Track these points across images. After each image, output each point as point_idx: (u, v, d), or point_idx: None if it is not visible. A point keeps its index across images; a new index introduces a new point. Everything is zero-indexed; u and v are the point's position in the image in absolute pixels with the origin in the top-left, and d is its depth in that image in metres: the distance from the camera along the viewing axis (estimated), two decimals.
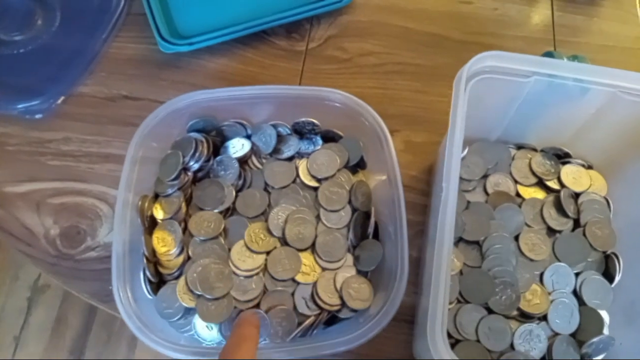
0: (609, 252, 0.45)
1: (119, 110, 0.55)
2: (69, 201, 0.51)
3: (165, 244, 0.43)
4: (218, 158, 0.47)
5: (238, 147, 0.48)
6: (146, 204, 0.43)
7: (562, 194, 0.46)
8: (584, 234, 0.45)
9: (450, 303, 0.43)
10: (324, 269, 0.43)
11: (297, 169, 0.47)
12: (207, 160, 0.46)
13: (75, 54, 0.57)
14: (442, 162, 0.37)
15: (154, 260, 0.43)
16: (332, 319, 0.43)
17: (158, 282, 0.43)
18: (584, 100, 0.42)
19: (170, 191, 0.44)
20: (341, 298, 0.42)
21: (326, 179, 0.46)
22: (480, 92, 0.40)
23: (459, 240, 0.45)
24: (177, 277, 0.43)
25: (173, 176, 0.44)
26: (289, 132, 0.49)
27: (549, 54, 0.44)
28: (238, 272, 0.42)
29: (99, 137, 0.54)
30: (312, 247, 0.44)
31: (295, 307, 0.42)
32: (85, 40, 0.57)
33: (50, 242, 0.50)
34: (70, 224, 0.50)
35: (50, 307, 1.24)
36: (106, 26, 0.58)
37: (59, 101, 0.55)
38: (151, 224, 0.44)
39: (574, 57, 0.43)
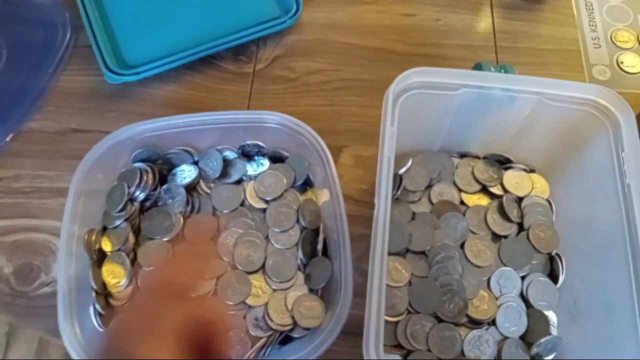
0: (553, 253, 0.46)
1: (69, 144, 0.55)
2: (22, 238, 0.51)
3: (114, 275, 0.43)
4: (165, 186, 0.47)
5: (186, 174, 0.48)
6: (93, 237, 0.43)
7: (504, 199, 0.47)
8: (528, 237, 0.46)
9: (401, 314, 0.43)
10: (275, 290, 0.44)
11: (244, 191, 0.48)
12: (154, 189, 0.47)
13: (23, 90, 0.57)
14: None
15: (104, 293, 0.43)
16: (287, 338, 0.43)
17: (111, 314, 0.43)
18: (513, 108, 0.43)
19: (117, 223, 0.45)
20: (292, 317, 0.42)
21: (274, 199, 0.47)
22: (413, 106, 0.42)
23: (406, 252, 0.46)
24: None
25: (119, 208, 0.44)
26: (236, 155, 0.49)
27: (478, 66, 0.45)
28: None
29: (50, 172, 0.54)
30: (263, 269, 0.44)
31: (247, 330, 0.42)
32: (32, 76, 0.57)
33: (3, 281, 0.49)
34: (23, 261, 0.50)
35: (30, 341, 1.22)
36: (52, 61, 0.58)
37: (8, 139, 0.55)
38: (100, 257, 0.44)
39: (501, 67, 0.44)
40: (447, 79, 0.40)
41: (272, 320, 0.42)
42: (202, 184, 0.49)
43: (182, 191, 0.47)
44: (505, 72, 0.44)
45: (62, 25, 0.60)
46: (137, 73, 0.56)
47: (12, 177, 0.54)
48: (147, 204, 0.47)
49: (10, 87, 0.57)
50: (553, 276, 0.45)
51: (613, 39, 0.61)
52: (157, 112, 0.57)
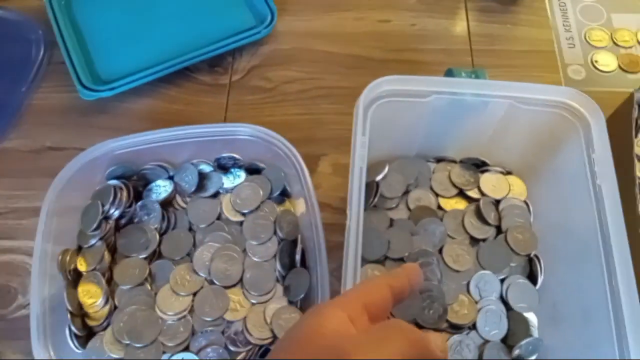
0: (531, 254, 0.46)
1: (45, 161, 0.55)
2: None
3: (90, 295, 0.43)
4: (140, 203, 0.47)
5: (161, 189, 0.48)
6: (67, 258, 0.43)
7: (481, 202, 0.47)
8: (506, 240, 0.46)
9: None
10: (253, 304, 0.43)
11: (221, 205, 0.47)
12: (129, 206, 0.46)
13: None
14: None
15: (80, 314, 0.42)
16: (267, 352, 0.43)
17: (88, 334, 0.43)
18: (486, 112, 0.43)
19: (92, 242, 0.44)
20: (272, 330, 0.42)
21: (251, 212, 0.47)
22: (386, 114, 0.42)
23: (385, 259, 0.46)
24: (106, 328, 0.42)
25: (94, 227, 0.44)
26: (212, 168, 0.49)
27: (449, 72, 0.45)
28: (165, 316, 0.42)
29: (26, 192, 0.53)
30: (240, 283, 0.44)
31: (226, 346, 0.42)
32: (6, 93, 0.57)
33: None
34: (0, 283, 0.49)
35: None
36: (27, 78, 0.58)
37: None
38: (76, 277, 0.44)
39: (472, 72, 0.44)
40: (416, 86, 0.40)
41: (251, 334, 0.42)
42: (178, 198, 0.48)
43: (158, 207, 0.46)
44: (477, 77, 0.44)
45: (35, 42, 0.60)
46: (112, 89, 0.55)
47: None
48: (123, 221, 0.46)
49: None
50: (532, 278, 0.45)
51: (587, 38, 0.61)
52: (134, 126, 0.57)
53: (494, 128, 0.45)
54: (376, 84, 0.40)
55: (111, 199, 0.45)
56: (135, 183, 0.48)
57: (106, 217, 0.45)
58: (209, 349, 0.41)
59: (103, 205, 0.45)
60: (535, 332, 0.44)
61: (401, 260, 0.45)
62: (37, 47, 0.60)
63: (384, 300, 0.26)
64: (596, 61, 0.59)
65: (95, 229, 0.44)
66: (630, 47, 0.60)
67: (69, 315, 0.41)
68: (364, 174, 0.37)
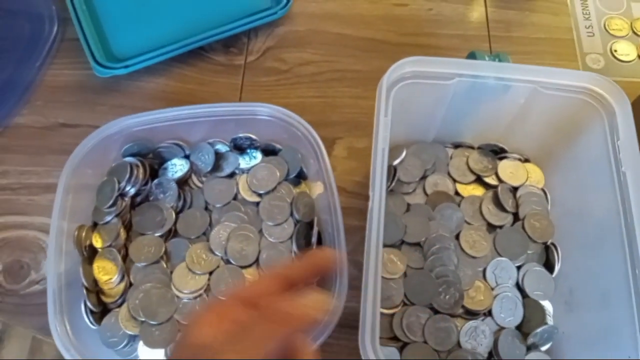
0: (548, 242, 0.46)
1: (57, 138, 0.54)
2: (10, 236, 0.50)
3: (106, 272, 0.42)
4: (156, 181, 0.46)
5: (177, 167, 0.47)
6: (83, 234, 0.43)
7: (499, 189, 0.47)
8: (523, 227, 0.46)
9: (397, 306, 0.43)
10: None
11: (237, 185, 0.47)
12: (145, 184, 0.46)
13: (9, 84, 0.56)
14: None
15: (95, 290, 0.42)
16: None
17: (102, 311, 0.42)
18: (508, 97, 0.42)
19: (108, 219, 0.44)
20: None
21: (267, 193, 0.46)
22: (407, 96, 0.41)
23: (401, 243, 0.45)
24: (121, 305, 0.42)
25: (109, 203, 0.43)
26: (228, 148, 0.49)
27: (472, 55, 0.45)
28: (181, 294, 0.42)
29: (38, 168, 0.53)
30: (256, 263, 0.44)
31: None
32: (19, 70, 0.56)
33: None
34: (12, 259, 0.49)
35: (23, 339, 1.22)
36: (39, 54, 0.57)
37: None
38: (91, 253, 0.43)
39: (495, 56, 0.44)
40: (441, 68, 0.40)
41: None
42: (193, 178, 0.48)
43: (174, 185, 0.46)
44: (500, 60, 0.43)
45: (48, 17, 0.59)
46: (127, 66, 0.55)
47: None
48: (138, 199, 0.46)
49: None
50: (549, 266, 0.45)
51: (606, 27, 0.60)
52: (147, 105, 0.56)
53: (514, 113, 0.45)
54: (400, 64, 0.39)
55: (127, 176, 0.44)
56: (151, 161, 0.47)
57: (122, 194, 0.45)
58: None
59: (119, 182, 0.44)
60: (550, 320, 0.43)
61: (417, 245, 0.45)
62: (50, 23, 0.59)
63: (266, 289, 0.27)
64: (615, 50, 0.59)
65: (111, 206, 0.44)
66: None
67: (84, 291, 0.41)
68: (386, 156, 0.37)
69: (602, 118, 0.40)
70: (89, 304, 0.41)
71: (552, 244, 0.45)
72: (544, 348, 0.43)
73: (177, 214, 0.46)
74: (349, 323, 0.39)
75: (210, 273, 0.43)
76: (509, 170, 0.48)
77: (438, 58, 0.40)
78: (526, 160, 0.50)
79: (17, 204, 0.51)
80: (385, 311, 0.43)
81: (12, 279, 0.49)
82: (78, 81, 0.57)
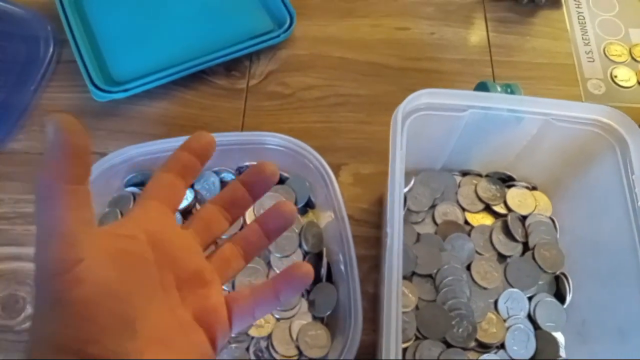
0: (558, 272, 0.45)
1: None
2: (5, 268, 0.48)
3: None
4: None
5: None
6: None
7: (509, 218, 0.47)
8: (533, 257, 0.45)
9: (409, 340, 0.42)
10: (278, 319, 0.42)
11: (243, 216, 0.46)
12: None
13: (4, 108, 0.54)
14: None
15: None
16: None
17: None
18: (520, 128, 0.42)
19: None
20: (298, 347, 0.41)
21: None
22: (419, 127, 0.41)
23: (412, 275, 0.45)
24: None
25: None
26: (233, 177, 0.48)
27: (483, 85, 0.44)
28: None
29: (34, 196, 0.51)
30: None
31: None
32: (14, 93, 0.55)
33: None
34: (7, 293, 0.47)
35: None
36: (35, 77, 0.55)
37: None
38: None
39: (507, 86, 0.44)
40: (455, 100, 0.40)
41: (276, 351, 0.40)
42: (198, 207, 0.47)
43: (178, 216, 0.45)
44: (512, 92, 0.43)
45: (44, 39, 0.58)
46: (126, 90, 0.54)
47: None
48: None
49: None
50: (559, 296, 0.45)
51: (606, 53, 0.61)
52: (147, 130, 0.55)
53: (524, 143, 0.45)
54: (415, 96, 0.39)
55: (130, 207, 0.43)
56: None
57: None
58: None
59: (121, 214, 0.43)
60: (563, 353, 0.43)
61: (429, 276, 0.44)
62: (46, 45, 0.57)
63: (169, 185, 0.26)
64: (615, 76, 0.59)
65: None
66: None
67: None
68: (402, 190, 0.36)
69: (614, 150, 0.40)
70: None
71: (563, 274, 0.45)
72: None
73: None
74: (359, 357, 0.39)
75: None
76: (517, 199, 0.48)
77: (452, 90, 0.40)
78: (534, 188, 0.50)
79: (12, 234, 0.49)
80: None
81: (7, 314, 0.46)
82: (75, 105, 0.56)
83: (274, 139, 0.44)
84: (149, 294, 0.22)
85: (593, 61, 0.61)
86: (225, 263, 0.27)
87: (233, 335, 0.41)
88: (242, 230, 0.29)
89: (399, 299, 0.33)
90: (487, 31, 0.63)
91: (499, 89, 0.43)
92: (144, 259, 0.22)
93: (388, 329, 0.32)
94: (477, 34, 0.63)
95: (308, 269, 0.27)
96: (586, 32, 0.63)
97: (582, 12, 0.64)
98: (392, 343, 0.31)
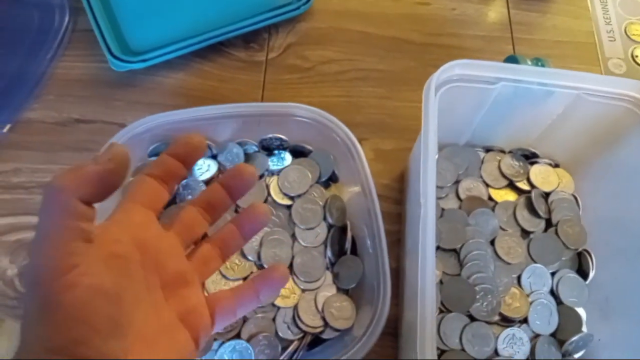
0: (580, 249, 0.46)
1: (71, 135, 0.52)
2: (25, 237, 0.48)
3: None
4: (183, 182, 0.45)
5: (204, 168, 0.46)
6: None
7: (533, 194, 0.46)
8: (557, 233, 0.46)
9: None
10: (303, 290, 0.42)
11: (267, 187, 0.45)
12: None
13: (18, 78, 0.53)
14: (416, 174, 0.37)
15: None
16: (315, 340, 0.42)
17: None
18: (549, 102, 0.42)
19: None
20: (323, 319, 0.41)
21: (299, 196, 0.45)
22: (449, 99, 0.40)
23: (436, 249, 0.45)
24: None
25: None
26: (256, 149, 0.47)
27: (512, 59, 0.44)
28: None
29: (52, 166, 0.50)
30: (290, 268, 0.43)
31: (277, 333, 0.40)
32: (28, 62, 0.54)
33: (7, 284, 0.46)
34: (28, 262, 0.47)
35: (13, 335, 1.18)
36: (50, 45, 0.54)
37: (5, 130, 0.51)
38: None
39: (537, 60, 0.43)
40: (487, 72, 0.39)
41: (302, 322, 0.40)
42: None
43: (202, 186, 0.44)
44: (542, 65, 0.43)
45: (59, 7, 0.56)
46: (144, 60, 0.53)
47: (11, 171, 0.50)
48: None
49: (4, 74, 0.53)
50: (582, 272, 0.45)
51: (627, 32, 0.60)
52: (165, 101, 0.54)
53: (552, 119, 0.44)
54: (448, 66, 0.38)
55: None
56: None
57: None
58: (260, 336, 0.40)
59: None
60: (584, 327, 0.43)
61: (453, 251, 0.44)
62: (61, 13, 0.56)
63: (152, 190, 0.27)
64: (637, 55, 0.59)
65: None
66: None
67: None
68: (434, 162, 0.36)
69: None
70: None
71: (586, 250, 0.45)
72: (577, 355, 0.43)
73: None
74: (387, 331, 0.39)
75: (244, 279, 0.41)
76: (541, 176, 0.48)
77: (484, 62, 0.39)
78: (556, 165, 0.49)
79: (31, 204, 0.49)
80: None
81: None
82: (92, 74, 0.55)
83: (300, 111, 0.43)
84: (137, 296, 0.23)
85: (614, 40, 0.60)
86: (204, 263, 0.28)
87: (216, 331, 0.41)
88: (220, 231, 0.29)
89: (433, 270, 0.32)
90: (508, 8, 0.62)
91: (529, 62, 0.42)
92: (131, 262, 0.23)
93: (423, 301, 0.32)
94: (498, 11, 0.62)
95: (284, 271, 0.29)
96: (607, 11, 0.62)
97: None
98: (427, 315, 0.31)
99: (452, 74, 0.39)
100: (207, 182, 0.45)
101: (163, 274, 0.25)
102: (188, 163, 0.28)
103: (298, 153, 0.48)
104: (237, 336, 0.40)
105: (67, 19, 0.56)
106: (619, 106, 0.41)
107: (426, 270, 0.32)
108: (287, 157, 0.47)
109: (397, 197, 0.51)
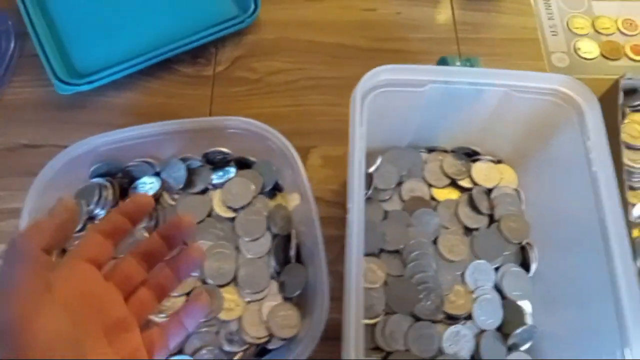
0: (524, 242, 0.46)
1: (20, 160, 0.52)
2: None
3: None
4: None
5: (148, 186, 0.46)
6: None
7: (474, 191, 0.47)
8: (499, 228, 0.46)
9: (378, 315, 0.43)
10: (248, 302, 0.42)
11: (211, 201, 0.46)
12: (115, 205, 0.44)
13: None
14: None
15: None
16: (262, 350, 0.42)
17: None
18: (480, 101, 0.43)
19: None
20: (268, 329, 0.41)
21: (242, 207, 0.46)
22: (381, 104, 0.41)
23: (380, 251, 0.45)
24: None
25: (78, 227, 0.42)
26: (200, 164, 0.48)
27: (443, 60, 0.45)
28: (157, 319, 0.41)
29: (1, 192, 0.51)
30: (234, 281, 0.43)
31: (221, 346, 0.41)
32: None
33: None
34: None
35: None
36: None
37: None
38: None
39: (467, 61, 0.44)
40: (413, 75, 0.40)
41: (247, 333, 0.41)
42: (165, 195, 0.47)
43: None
44: (471, 65, 0.43)
45: (5, 33, 0.57)
46: (90, 82, 0.53)
47: None
48: None
49: None
50: (525, 265, 0.46)
51: (569, 26, 0.62)
52: (115, 121, 0.54)
53: (486, 117, 0.45)
54: (373, 73, 0.39)
55: (96, 198, 0.43)
56: (120, 180, 0.46)
57: (91, 217, 0.43)
58: (204, 350, 0.40)
59: (88, 205, 0.43)
60: (529, 320, 0.44)
61: (396, 252, 0.45)
62: (7, 39, 0.57)
63: (98, 245, 0.29)
64: (579, 48, 0.60)
65: (80, 230, 0.42)
66: (611, 35, 0.61)
67: None
68: (363, 167, 0.37)
69: (572, 119, 0.41)
70: None
71: (528, 243, 0.46)
72: (524, 347, 0.43)
73: (150, 234, 0.44)
74: (329, 335, 0.39)
75: (187, 294, 0.42)
76: (483, 173, 0.49)
77: (410, 65, 0.40)
78: (499, 162, 0.50)
79: None
80: (367, 321, 0.42)
81: None
82: (40, 99, 0.55)
83: (236, 123, 0.44)
84: (89, 341, 0.25)
85: (557, 35, 0.61)
86: (141, 307, 0.30)
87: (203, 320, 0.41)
88: (155, 275, 0.31)
89: (359, 273, 0.33)
90: (453, 9, 0.63)
91: (458, 63, 0.43)
92: (80, 310, 0.25)
93: (349, 302, 0.32)
94: (443, 12, 0.63)
95: (205, 299, 0.32)
96: (550, 6, 0.63)
97: None
98: (352, 316, 0.32)
99: (379, 80, 0.40)
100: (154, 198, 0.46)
101: (106, 321, 0.27)
102: (135, 219, 0.30)
103: (243, 165, 0.48)
104: (181, 352, 0.40)
105: (12, 45, 0.56)
106: (547, 100, 0.42)
107: (351, 273, 0.33)
108: (232, 170, 0.48)
109: (345, 203, 0.51)
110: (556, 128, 0.43)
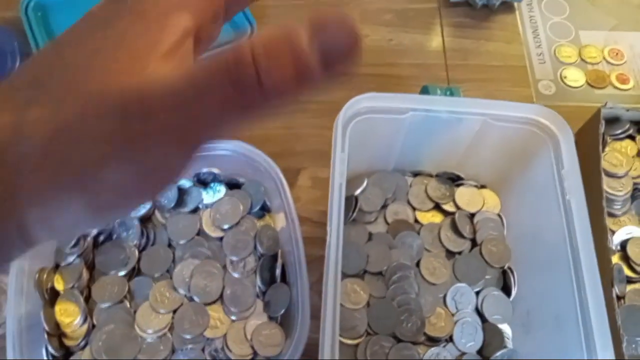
0: (505, 267, 0.47)
1: None
2: None
3: (68, 314, 0.42)
4: (119, 219, 0.47)
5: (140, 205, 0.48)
6: (45, 276, 0.42)
7: (456, 215, 0.48)
8: (481, 253, 0.47)
9: (360, 336, 0.44)
10: (233, 320, 0.44)
11: (200, 220, 0.47)
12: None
13: None
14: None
15: (57, 333, 0.42)
16: None
17: (65, 354, 0.42)
18: (460, 128, 0.44)
19: (70, 259, 0.44)
20: (252, 347, 0.42)
21: (230, 227, 0.47)
22: (364, 129, 0.42)
23: (364, 273, 0.46)
24: (84, 348, 0.42)
25: (72, 244, 0.43)
26: (191, 183, 0.49)
27: (425, 89, 0.46)
28: (144, 334, 0.42)
29: None
30: (220, 299, 0.44)
31: None
32: None
33: None
34: None
35: None
36: None
37: None
38: (53, 296, 0.43)
39: (447, 90, 0.46)
40: (393, 103, 0.42)
41: (231, 351, 0.42)
42: (157, 214, 0.48)
43: (136, 223, 0.46)
44: (451, 94, 0.45)
45: (11, 54, 0.59)
46: None
47: None
48: (101, 237, 0.46)
49: None
50: (506, 289, 0.47)
51: (557, 54, 0.63)
52: None
53: (467, 143, 0.47)
54: (354, 101, 0.41)
55: None
56: None
57: (84, 234, 0.45)
58: None
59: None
60: (509, 343, 0.45)
61: (380, 274, 0.46)
62: (13, 59, 0.59)
63: None
64: (565, 77, 0.61)
65: (73, 246, 0.43)
66: (597, 63, 0.63)
67: (45, 336, 0.40)
68: (343, 190, 0.38)
69: (548, 147, 0.42)
70: (50, 348, 0.40)
71: (509, 268, 0.47)
72: None
73: (141, 251, 0.46)
74: (313, 355, 0.40)
75: (174, 311, 0.43)
76: (466, 197, 0.50)
77: (390, 94, 0.42)
78: (482, 187, 0.51)
79: None
80: (350, 342, 0.43)
81: None
82: None
83: (226, 145, 0.45)
84: None
85: (544, 63, 0.63)
86: None
87: (188, 336, 0.42)
88: None
89: (336, 294, 0.34)
90: (443, 36, 0.65)
91: (439, 91, 0.45)
92: None
93: (324, 322, 0.33)
94: (433, 39, 0.65)
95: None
96: (538, 35, 0.65)
97: (534, 16, 0.66)
98: (328, 336, 0.33)
99: (360, 107, 0.41)
100: (142, 218, 0.47)
101: None
102: None
103: (233, 185, 0.50)
104: None
105: (17, 65, 0.58)
106: (524, 129, 0.43)
107: (328, 294, 0.34)
108: (222, 190, 0.49)
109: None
110: (534, 156, 0.44)
